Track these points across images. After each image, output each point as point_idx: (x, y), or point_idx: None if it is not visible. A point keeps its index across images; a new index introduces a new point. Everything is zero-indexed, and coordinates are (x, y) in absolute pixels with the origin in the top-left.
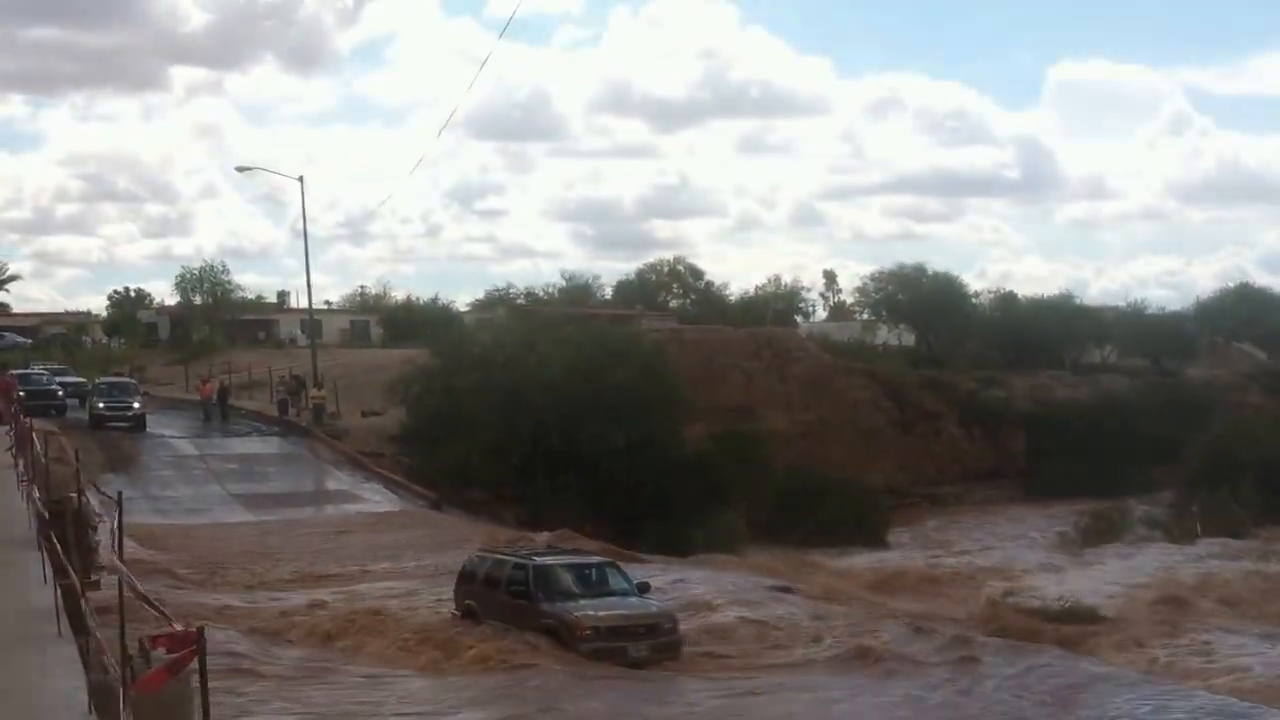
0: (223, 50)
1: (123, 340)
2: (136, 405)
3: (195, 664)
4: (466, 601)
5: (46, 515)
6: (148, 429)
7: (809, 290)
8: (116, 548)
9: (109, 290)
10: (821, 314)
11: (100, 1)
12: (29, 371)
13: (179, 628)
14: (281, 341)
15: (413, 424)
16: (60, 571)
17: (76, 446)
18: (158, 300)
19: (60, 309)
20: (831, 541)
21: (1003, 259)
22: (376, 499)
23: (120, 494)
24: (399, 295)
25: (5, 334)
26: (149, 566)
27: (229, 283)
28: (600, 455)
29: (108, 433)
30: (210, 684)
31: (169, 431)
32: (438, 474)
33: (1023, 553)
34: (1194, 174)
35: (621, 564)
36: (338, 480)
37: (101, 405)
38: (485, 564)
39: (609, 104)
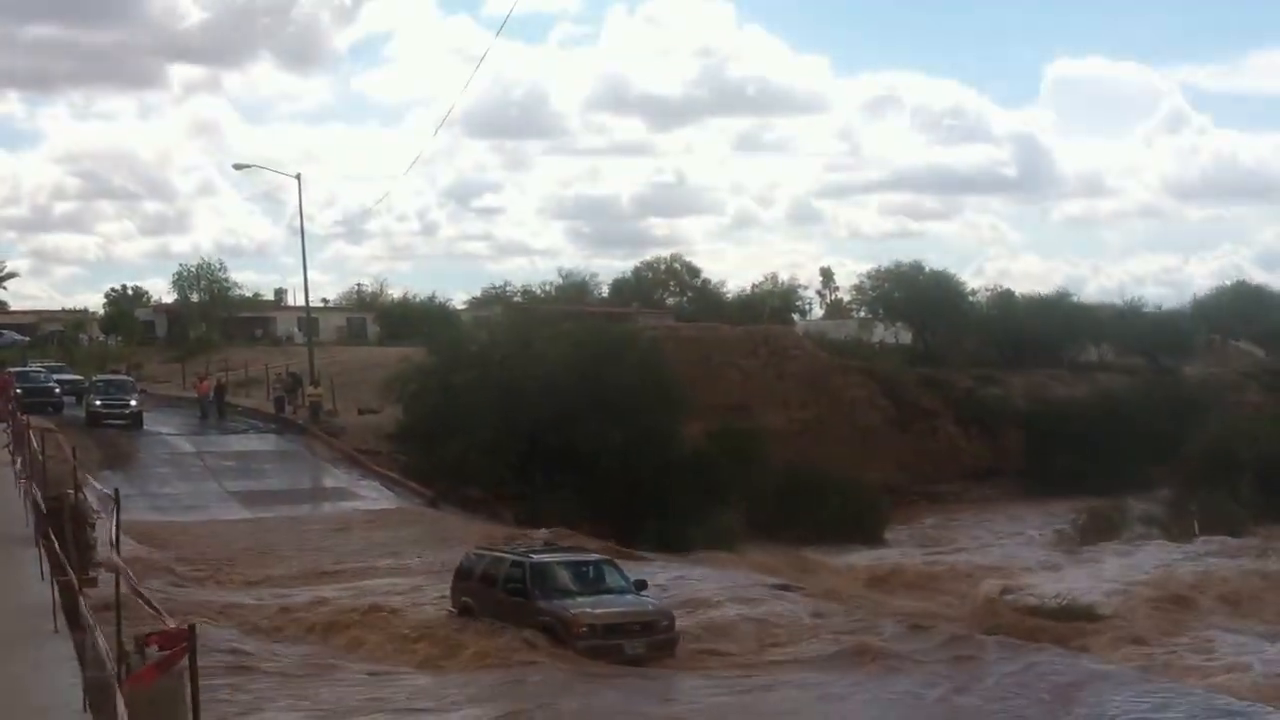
0: (220, 48)
1: (120, 338)
2: (133, 403)
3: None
4: (463, 599)
5: (44, 512)
6: (145, 426)
7: (806, 288)
8: (114, 544)
9: (106, 288)
10: (818, 312)
11: None
12: (26, 369)
13: (172, 625)
14: (278, 339)
15: (409, 422)
16: (57, 568)
17: (74, 444)
18: (155, 298)
19: (58, 306)
20: (829, 539)
21: (1000, 257)
22: (373, 496)
23: (117, 491)
24: (396, 293)
25: (3, 331)
26: (147, 564)
27: (226, 280)
28: (597, 453)
29: (105, 430)
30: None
31: (166, 429)
32: (435, 472)
33: (1020, 551)
34: (1191, 171)
35: (620, 562)
36: (335, 478)
37: (99, 403)
38: (482, 561)
39: (606, 102)
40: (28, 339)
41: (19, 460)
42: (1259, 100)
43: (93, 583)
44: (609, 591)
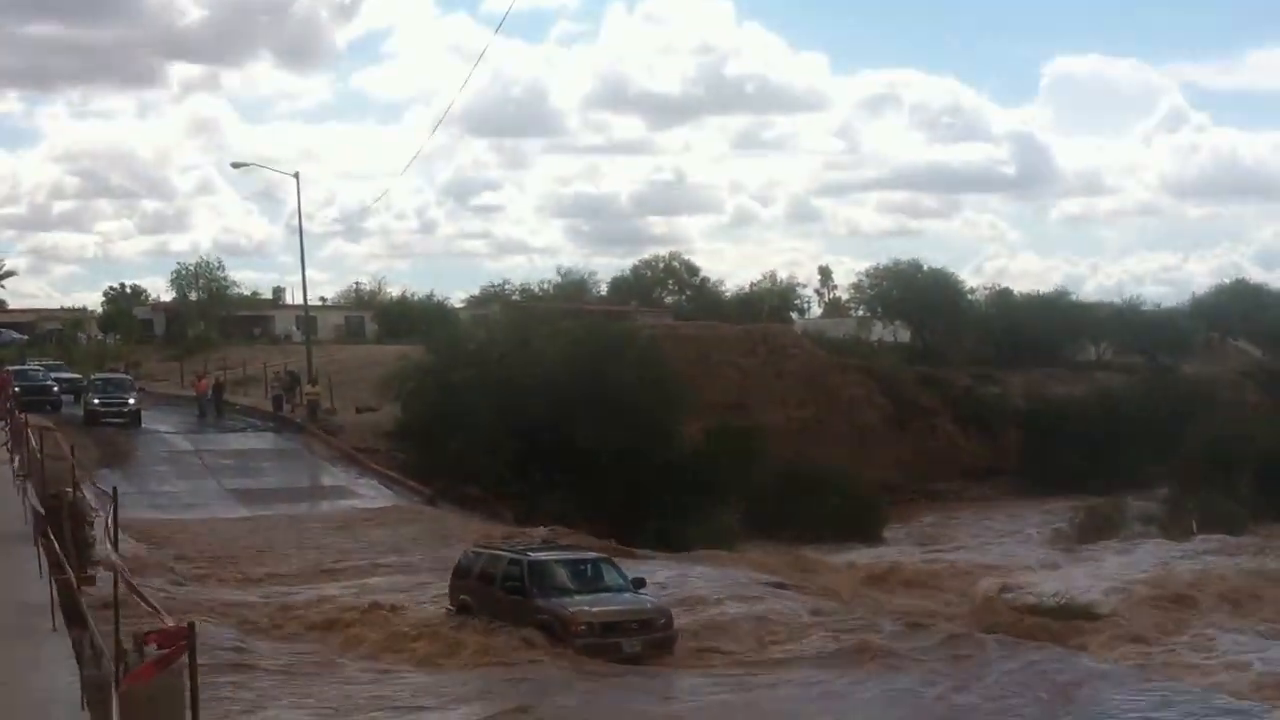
0: (219, 46)
1: (118, 336)
2: (132, 401)
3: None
4: (461, 597)
5: (42, 510)
6: (143, 425)
7: (804, 286)
8: (112, 543)
9: (105, 286)
10: (816, 310)
11: None
12: (25, 368)
13: (171, 623)
14: (277, 338)
15: (407, 420)
16: (56, 566)
17: (72, 442)
18: (153, 296)
19: (56, 305)
20: (828, 538)
21: (998, 255)
22: (371, 494)
23: (115, 489)
24: (394, 291)
25: (1, 330)
26: (146, 562)
27: (225, 279)
28: (596, 452)
29: (103, 428)
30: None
31: (164, 427)
32: (433, 470)
33: (1018, 549)
34: (1190, 170)
35: (618, 560)
36: (333, 476)
37: (97, 401)
38: (480, 559)
39: (605, 100)
40: (26, 337)
41: (17, 458)
42: (1258, 98)
43: (91, 581)
44: (607, 590)
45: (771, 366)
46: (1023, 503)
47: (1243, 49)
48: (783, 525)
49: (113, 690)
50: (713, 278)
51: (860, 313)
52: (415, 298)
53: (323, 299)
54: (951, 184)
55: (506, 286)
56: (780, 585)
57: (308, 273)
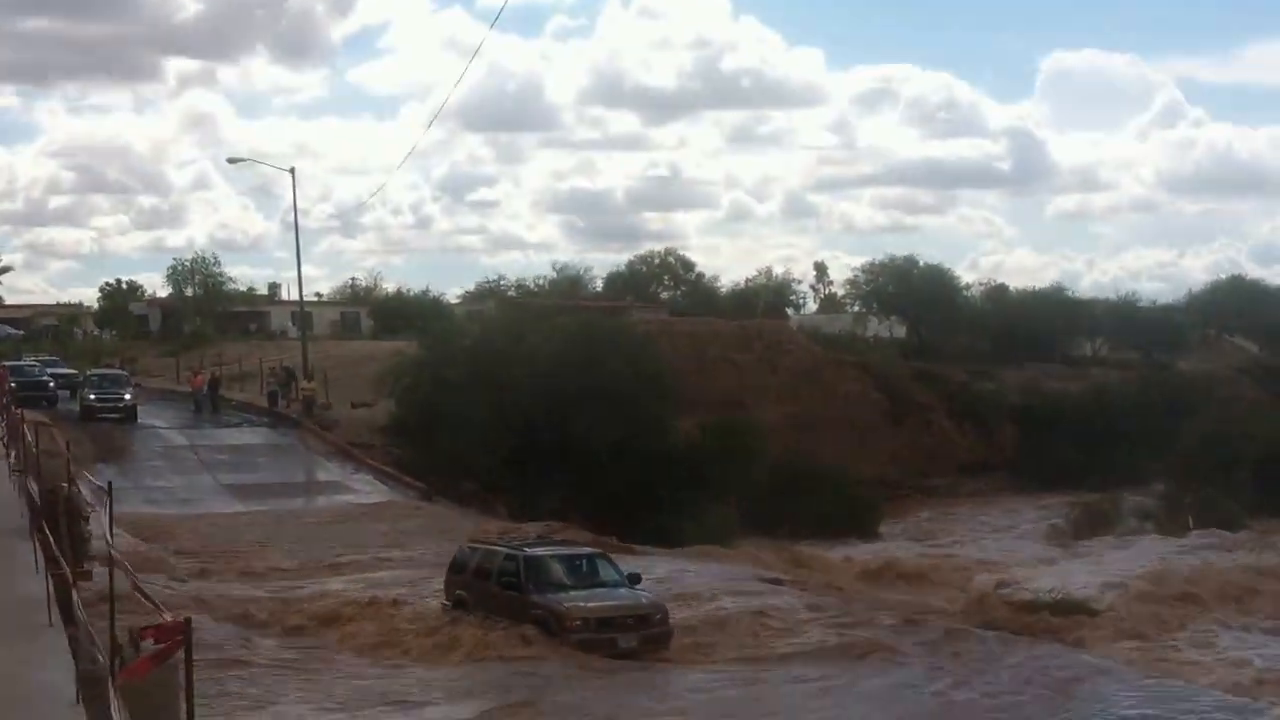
0: (215, 42)
1: (114, 332)
2: (128, 397)
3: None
4: (457, 592)
5: (38, 505)
6: (139, 420)
7: (800, 282)
8: (108, 538)
9: (100, 282)
10: (812, 306)
11: None
12: (20, 363)
13: (168, 618)
14: (272, 333)
15: (402, 416)
16: (52, 561)
17: (68, 438)
18: (149, 292)
19: (52, 301)
20: (823, 533)
21: (994, 251)
22: (367, 490)
23: (110, 484)
24: (390, 287)
25: None
26: (142, 557)
27: (220, 275)
28: (591, 448)
29: (99, 424)
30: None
31: (160, 422)
32: (428, 465)
33: (1014, 545)
34: (1186, 165)
35: (614, 556)
36: (328, 471)
37: (93, 397)
38: (476, 555)
39: (600, 95)
40: (22, 333)
41: (13, 454)
42: (1255, 93)
43: (87, 576)
44: (602, 585)
45: (767, 362)
46: (1019, 498)
47: (1239, 44)
48: (779, 521)
49: (109, 685)
50: (708, 273)
51: (856, 308)
52: (411, 293)
53: (318, 295)
54: (947, 179)
55: (502, 282)
56: (776, 581)
57: (303, 268)
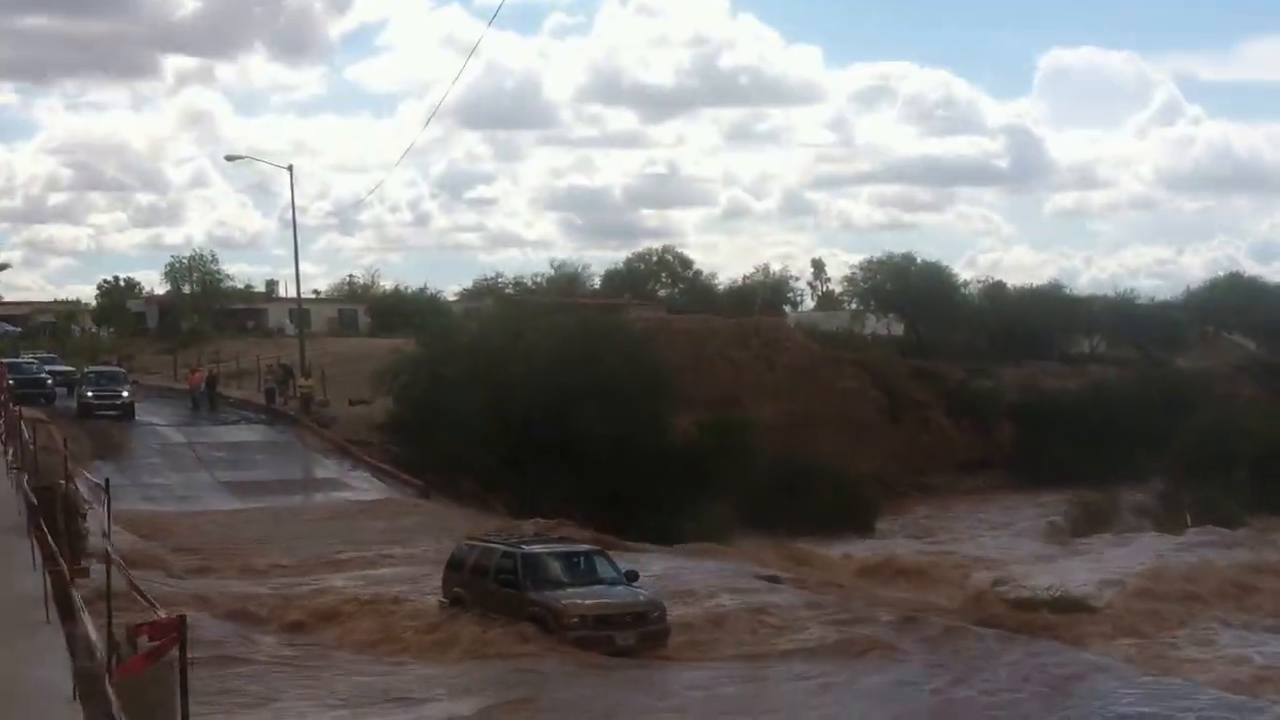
0: (213, 39)
1: (112, 329)
2: (125, 394)
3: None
4: (455, 589)
5: (36, 502)
6: (136, 417)
7: (797, 280)
8: (105, 534)
9: (98, 279)
10: (810, 304)
11: None
12: (18, 360)
13: (163, 615)
14: (270, 331)
15: (400, 413)
16: (49, 558)
17: (65, 435)
18: (147, 289)
19: (50, 298)
20: (821, 531)
21: (992, 249)
22: (364, 487)
23: (107, 481)
24: (387, 284)
25: None
26: (140, 554)
27: (218, 272)
28: (589, 445)
29: (96, 421)
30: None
31: (157, 420)
32: (426, 462)
33: (1012, 542)
34: (1185, 163)
35: (611, 553)
36: (325, 468)
37: (90, 394)
38: (474, 552)
39: (598, 93)
40: (20, 330)
41: (11, 451)
42: (1254, 90)
43: (84, 573)
44: (600, 582)
45: (765, 360)
46: (1016, 496)
47: (1238, 41)
48: (777, 518)
49: (106, 682)
50: (706, 271)
51: (854, 306)
52: (408, 291)
53: (316, 292)
54: (945, 177)
55: (500, 280)
56: (774, 578)
57: (301, 266)
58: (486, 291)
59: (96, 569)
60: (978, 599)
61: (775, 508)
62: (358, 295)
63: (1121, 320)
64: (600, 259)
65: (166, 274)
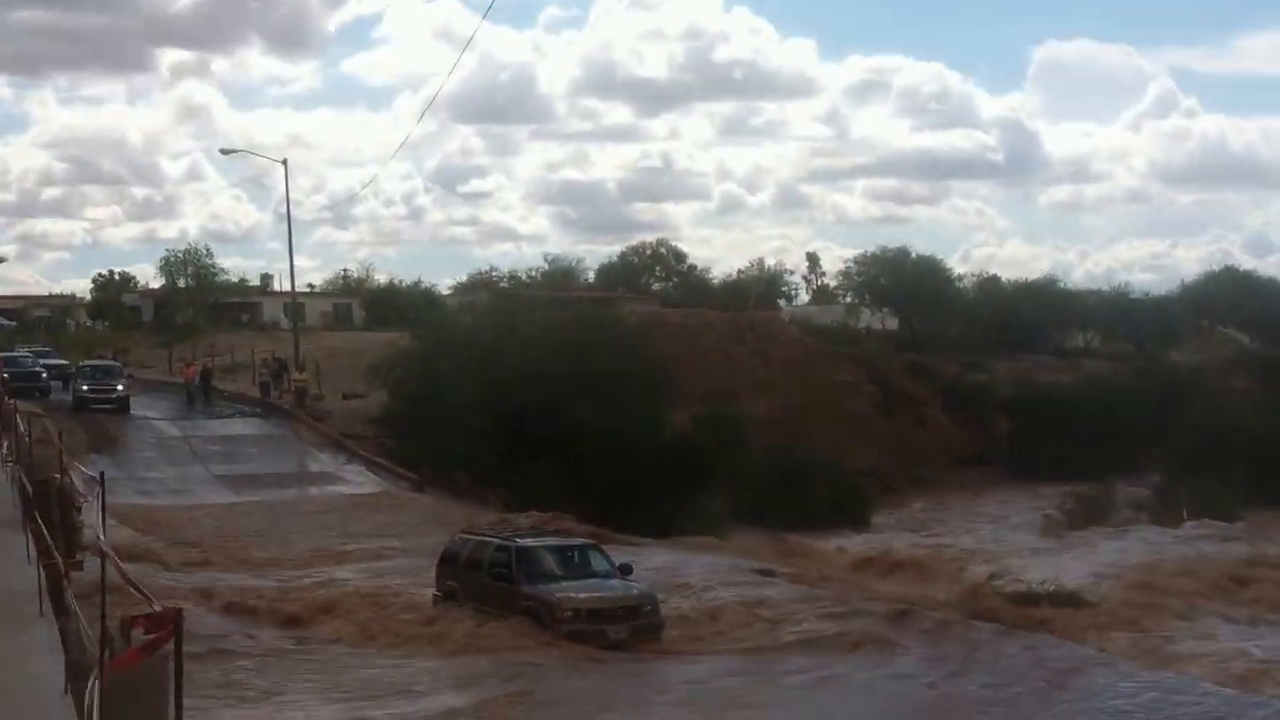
0: (208, 32)
1: (107, 323)
2: (120, 387)
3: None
4: (448, 583)
5: (31, 496)
6: (131, 411)
7: (792, 274)
8: (100, 528)
9: (93, 273)
10: (804, 298)
11: None
12: (13, 354)
13: (158, 608)
14: (265, 324)
15: (395, 407)
16: (44, 552)
17: (60, 428)
18: (142, 283)
19: (45, 292)
20: (816, 525)
21: (987, 243)
22: (359, 480)
23: (102, 474)
24: (382, 278)
25: None
26: (135, 548)
27: (213, 266)
28: (583, 438)
29: (92, 414)
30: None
31: (152, 413)
32: (421, 456)
33: (1008, 536)
34: (1179, 156)
35: (605, 547)
36: (320, 462)
37: (85, 387)
38: (468, 546)
39: (593, 86)
40: (15, 324)
41: (6, 444)
42: (1248, 83)
43: (79, 566)
44: (594, 576)
45: (759, 354)
46: (1011, 489)
47: (1233, 34)
48: (772, 512)
49: (97, 675)
50: (700, 265)
51: (848, 300)
52: (403, 285)
53: (311, 286)
54: (939, 171)
55: (494, 273)
56: (769, 571)
57: (296, 259)
58: (481, 285)
59: (91, 562)
60: (974, 593)
61: (770, 502)
62: (352, 289)
63: (1116, 314)
64: (594, 253)
65: (161, 268)
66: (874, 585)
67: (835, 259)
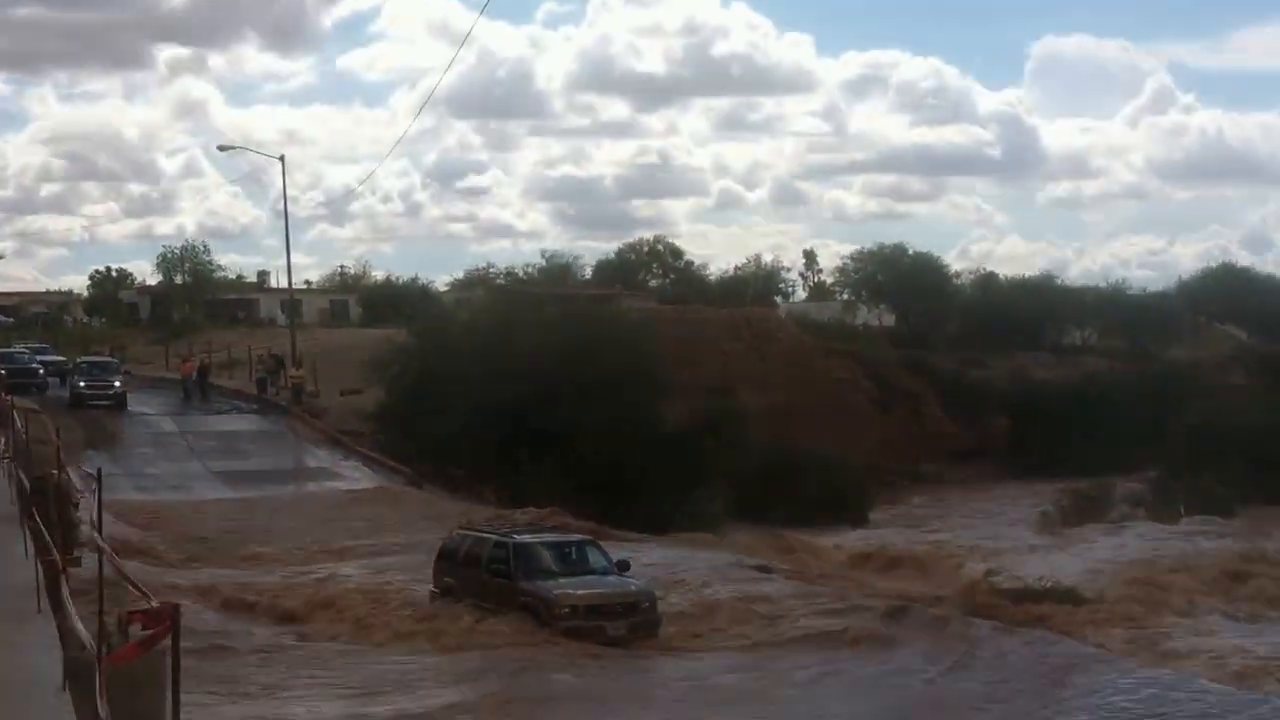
0: (206, 28)
1: (104, 320)
2: (117, 384)
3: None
4: (445, 579)
5: (28, 492)
6: (128, 407)
7: (789, 270)
8: (96, 524)
9: (90, 270)
10: (801, 294)
11: None
12: (10, 350)
13: (156, 603)
14: (261, 321)
15: (391, 403)
16: (42, 548)
17: (58, 425)
18: (139, 280)
19: (42, 288)
20: (813, 521)
21: (984, 239)
22: (355, 476)
23: (100, 470)
24: (379, 275)
25: None
26: (133, 544)
27: (210, 263)
28: (580, 434)
29: (89, 411)
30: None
31: (150, 410)
32: (417, 452)
33: (1005, 532)
34: (1177, 152)
35: (603, 543)
36: (316, 458)
37: (83, 384)
38: (465, 542)
39: (590, 82)
40: (12, 320)
41: (3, 440)
42: (1246, 79)
43: (77, 562)
44: (591, 572)
45: (756, 350)
46: (1009, 486)
47: (1230, 29)
48: (769, 508)
49: (96, 671)
50: (697, 261)
51: (845, 296)
52: (400, 281)
53: (307, 282)
54: (937, 167)
55: (491, 270)
56: (767, 568)
57: (292, 256)
58: (478, 282)
59: (89, 559)
60: (971, 589)
61: (767, 497)
62: (349, 286)
63: (1114, 311)
64: (592, 249)
65: (158, 264)
66: (872, 581)
67: (832, 255)
